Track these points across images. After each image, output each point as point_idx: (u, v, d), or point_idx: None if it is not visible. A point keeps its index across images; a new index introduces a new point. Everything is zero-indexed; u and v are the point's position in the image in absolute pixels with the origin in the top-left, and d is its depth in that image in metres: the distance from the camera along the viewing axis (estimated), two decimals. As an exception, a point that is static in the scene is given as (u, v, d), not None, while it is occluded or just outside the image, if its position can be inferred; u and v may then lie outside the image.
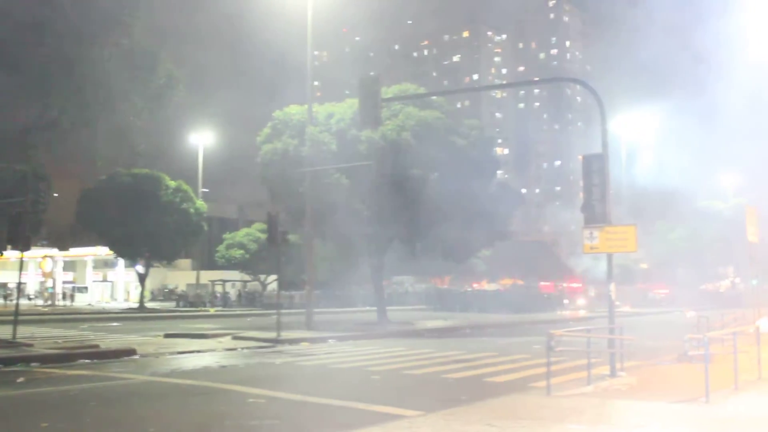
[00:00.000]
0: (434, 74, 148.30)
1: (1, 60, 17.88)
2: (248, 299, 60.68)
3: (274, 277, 55.50)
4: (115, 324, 35.85)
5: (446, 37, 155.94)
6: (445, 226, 30.22)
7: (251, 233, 58.70)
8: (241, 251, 57.68)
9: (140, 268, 56.14)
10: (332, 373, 16.54)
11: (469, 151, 31.04)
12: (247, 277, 61.45)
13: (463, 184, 29.07)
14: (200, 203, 54.26)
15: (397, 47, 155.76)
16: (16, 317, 22.94)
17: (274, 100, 38.47)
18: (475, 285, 62.45)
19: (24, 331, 24.15)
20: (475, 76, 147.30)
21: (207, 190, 59.90)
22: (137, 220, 49.11)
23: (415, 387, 14.07)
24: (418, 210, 29.53)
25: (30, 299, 68.28)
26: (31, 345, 20.92)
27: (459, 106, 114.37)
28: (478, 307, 48.89)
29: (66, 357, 18.78)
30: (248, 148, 35.91)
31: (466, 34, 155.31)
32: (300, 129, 31.02)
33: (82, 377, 15.51)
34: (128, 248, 53.22)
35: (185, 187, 53.35)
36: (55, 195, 44.15)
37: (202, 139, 56.42)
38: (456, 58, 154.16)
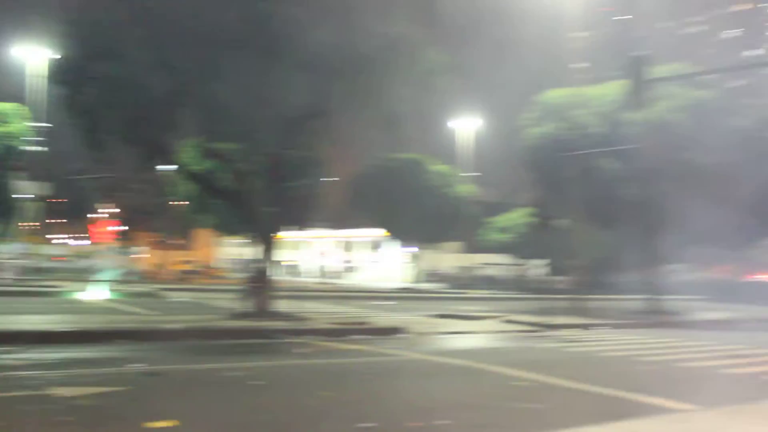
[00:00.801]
0: (706, 51, 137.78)
1: (287, 54, 19.27)
2: (514, 283, 60.69)
3: (538, 261, 55.03)
4: (386, 303, 37.44)
5: (720, 11, 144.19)
6: (721, 212, 27.94)
7: (514, 217, 58.63)
8: (506, 235, 57.81)
9: (411, 250, 58.03)
10: (599, 361, 16.06)
11: (752, 132, 28.39)
12: (513, 261, 61.44)
13: (741, 168, 26.71)
14: (465, 187, 55.04)
15: (666, 24, 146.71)
16: (297, 293, 24.80)
17: (538, 84, 37.90)
18: (759, 275, 57.29)
19: (304, 306, 26.04)
20: (758, 51, 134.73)
21: (473, 174, 60.66)
22: (405, 203, 50.88)
23: (689, 380, 13.21)
24: (692, 196, 27.58)
25: (308, 276, 73.65)
26: (310, 319, 22.53)
27: (735, 85, 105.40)
28: (764, 300, 44.78)
29: (340, 332, 19.97)
30: (512, 132, 35.72)
31: (743, 7, 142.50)
32: (565, 113, 30.29)
33: (354, 351, 16.40)
34: (399, 230, 55.35)
35: (450, 171, 54.41)
36: (330, 179, 47.16)
37: (467, 124, 57.16)
38: (732, 33, 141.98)
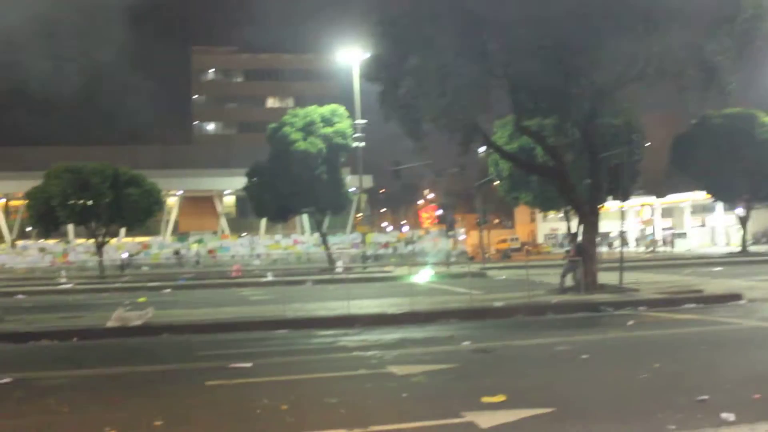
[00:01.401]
0: None
1: (598, 17, 18.87)
2: None
3: None
4: (716, 269, 35.22)
5: None
6: None
7: None
8: None
9: (740, 211, 54.02)
10: None
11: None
12: None
13: None
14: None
15: None
16: (621, 264, 24.21)
17: None
18: None
19: (629, 277, 25.29)
20: None
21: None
22: (732, 161, 47.22)
23: None
24: None
25: (631, 246, 71.30)
26: (637, 290, 21.90)
27: None
28: None
29: (669, 301, 19.19)
30: None
31: None
32: None
33: (685, 321, 15.70)
34: (725, 191, 51.60)
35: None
36: (648, 144, 45.19)
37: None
38: None
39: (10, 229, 73.57)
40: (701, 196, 61.42)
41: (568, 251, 23.83)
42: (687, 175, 56.01)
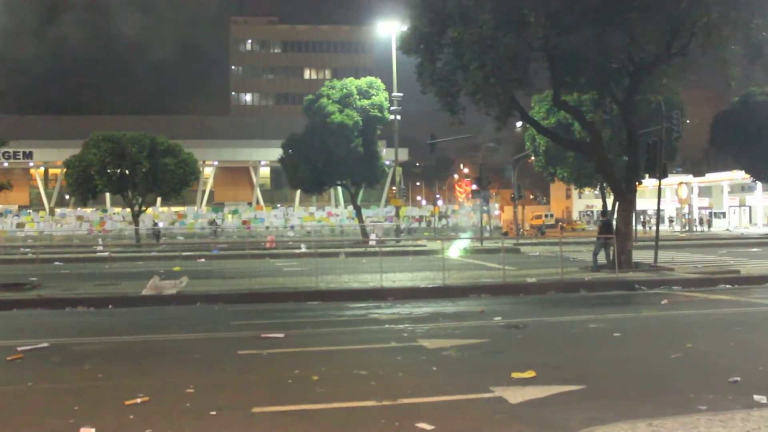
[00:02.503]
0: None
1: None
2: None
3: None
4: (755, 249, 34.70)
5: None
6: None
7: None
8: None
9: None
10: None
11: None
12: None
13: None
14: None
15: None
16: (657, 243, 23.94)
17: None
18: None
19: (664, 256, 25.09)
20: None
21: None
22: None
23: None
24: None
25: (668, 226, 70.44)
26: (671, 269, 21.67)
27: None
28: None
29: (706, 281, 18.98)
30: None
31: None
32: None
33: (720, 302, 15.51)
34: (766, 170, 50.65)
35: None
36: (687, 122, 44.42)
37: None
38: None
39: (49, 197, 74.80)
40: (740, 175, 60.39)
41: (603, 228, 23.60)
42: (727, 154, 55.06)
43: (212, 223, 63.38)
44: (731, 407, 6.88)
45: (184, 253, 34.10)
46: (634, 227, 29.63)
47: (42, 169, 77.38)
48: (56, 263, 29.02)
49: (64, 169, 49.70)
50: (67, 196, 68.19)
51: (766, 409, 6.77)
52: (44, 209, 71.05)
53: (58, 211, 69.18)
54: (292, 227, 64.97)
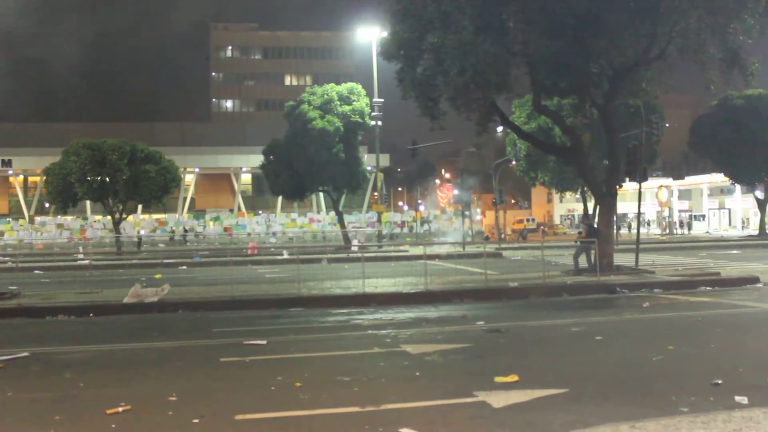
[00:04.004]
0: None
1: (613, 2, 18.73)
2: None
3: None
4: (734, 251, 35.01)
5: None
6: None
7: None
8: None
9: (759, 194, 53.59)
10: None
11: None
12: None
13: None
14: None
15: None
16: (638, 246, 24.08)
17: None
18: None
19: (645, 259, 25.24)
20: None
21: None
22: (753, 143, 46.85)
23: None
24: None
25: (647, 229, 70.93)
26: (652, 272, 21.81)
27: None
28: None
29: (687, 284, 19.09)
30: None
31: None
32: None
33: (700, 304, 15.61)
34: (744, 173, 51.21)
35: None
36: (667, 125, 44.81)
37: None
38: None
39: (29, 204, 74.20)
40: (720, 178, 60.93)
41: (580, 232, 23.76)
42: (706, 157, 55.58)
43: (173, 233, 62.61)
44: (713, 409, 6.93)
45: (165, 261, 33.91)
46: (614, 230, 29.82)
47: (21, 177, 76.77)
48: (36, 272, 28.78)
49: (44, 177, 49.38)
50: (47, 204, 67.64)
51: (747, 410, 6.81)
52: (24, 217, 70.47)
53: (37, 219, 68.65)
54: (274, 234, 64.84)
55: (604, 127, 23.75)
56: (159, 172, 46.47)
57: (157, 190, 46.82)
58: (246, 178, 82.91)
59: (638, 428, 6.22)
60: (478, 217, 72.98)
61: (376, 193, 60.06)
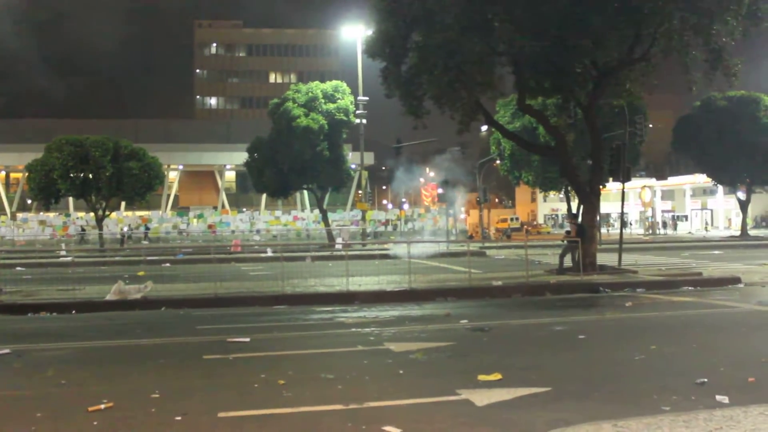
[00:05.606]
0: None
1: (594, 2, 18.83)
2: None
3: None
4: (716, 252, 35.27)
5: None
6: None
7: None
8: None
9: (741, 195, 54.01)
10: None
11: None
12: None
13: None
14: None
15: None
16: (621, 246, 24.21)
17: None
18: None
19: (628, 259, 25.34)
20: None
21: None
22: (735, 144, 47.18)
23: None
24: None
25: (630, 229, 71.33)
26: (635, 272, 21.92)
27: None
28: None
29: (669, 284, 19.21)
30: None
31: None
32: None
33: (682, 304, 15.71)
34: (727, 174, 51.59)
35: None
36: (650, 126, 45.06)
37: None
38: None
39: (11, 201, 73.60)
40: (702, 179, 61.35)
41: (567, 232, 23.85)
42: (689, 158, 55.91)
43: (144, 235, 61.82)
44: (694, 408, 6.98)
45: (148, 258, 33.73)
46: (598, 230, 29.97)
47: (3, 173, 76.12)
48: (18, 268, 28.54)
49: (26, 173, 48.96)
50: (29, 201, 67.17)
51: (728, 409, 6.87)
52: (5, 214, 69.88)
53: (19, 215, 68.08)
54: (258, 231, 64.64)
55: (588, 127, 23.86)
56: (142, 169, 46.26)
57: (140, 187, 46.61)
58: (230, 175, 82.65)
59: (620, 427, 6.26)
60: (462, 216, 73.08)
61: (360, 192, 60.06)
